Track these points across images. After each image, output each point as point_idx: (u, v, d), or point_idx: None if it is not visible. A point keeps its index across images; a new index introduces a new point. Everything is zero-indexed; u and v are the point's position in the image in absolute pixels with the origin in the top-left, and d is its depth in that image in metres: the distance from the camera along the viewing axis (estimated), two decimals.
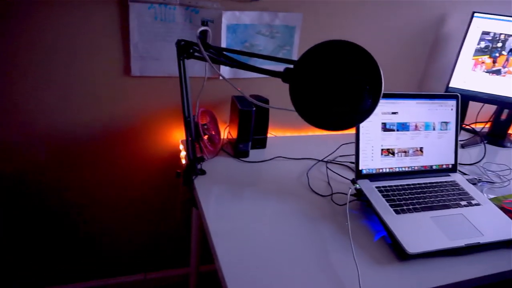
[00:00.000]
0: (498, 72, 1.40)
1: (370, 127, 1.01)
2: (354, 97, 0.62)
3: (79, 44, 1.09)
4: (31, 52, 1.06)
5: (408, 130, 1.05)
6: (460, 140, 1.48)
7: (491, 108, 1.58)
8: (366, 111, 0.62)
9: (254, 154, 1.22)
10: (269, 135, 1.30)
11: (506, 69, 1.39)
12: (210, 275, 1.65)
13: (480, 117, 1.64)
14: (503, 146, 1.49)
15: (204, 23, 0.91)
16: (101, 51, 1.12)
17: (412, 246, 0.82)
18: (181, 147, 1.24)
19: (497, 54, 1.38)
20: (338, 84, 0.62)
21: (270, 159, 1.21)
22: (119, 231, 1.44)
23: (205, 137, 1.14)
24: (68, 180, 1.28)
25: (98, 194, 1.34)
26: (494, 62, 1.40)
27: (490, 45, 1.38)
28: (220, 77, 1.26)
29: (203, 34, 0.89)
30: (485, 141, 1.49)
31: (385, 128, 1.03)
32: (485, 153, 1.37)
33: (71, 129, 1.20)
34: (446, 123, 1.09)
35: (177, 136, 1.32)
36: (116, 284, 1.53)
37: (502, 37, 1.36)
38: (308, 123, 0.66)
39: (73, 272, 1.47)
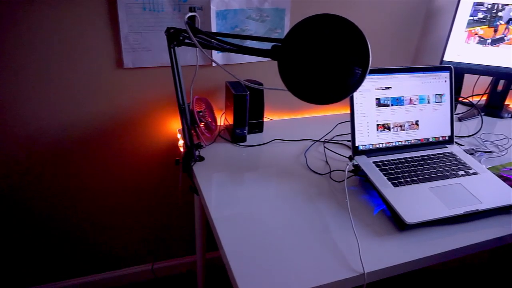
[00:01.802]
0: (501, 40, 1.38)
1: (364, 103, 1.02)
2: (342, 68, 0.62)
3: (69, 39, 1.09)
4: (19, 50, 1.06)
5: (402, 105, 1.06)
6: (457, 114, 1.48)
7: (487, 80, 1.58)
8: (356, 82, 0.62)
9: (251, 138, 1.23)
10: (265, 119, 1.30)
11: (509, 37, 1.37)
12: (217, 262, 1.67)
13: (476, 90, 1.64)
14: (501, 116, 1.49)
15: (192, 9, 0.91)
16: (92, 46, 1.12)
17: (410, 216, 0.83)
18: (179, 135, 1.25)
19: (498, 23, 1.37)
20: (326, 57, 0.62)
21: (268, 142, 1.21)
22: (123, 223, 1.46)
23: (201, 124, 1.15)
24: (69, 176, 1.29)
25: (99, 188, 1.36)
26: (495, 31, 1.38)
27: (488, 15, 1.37)
28: (213, 64, 1.26)
29: (191, 19, 0.89)
30: (483, 113, 1.50)
31: (380, 103, 1.03)
32: (482, 125, 1.38)
33: (67, 125, 1.21)
34: (441, 95, 1.09)
35: (174, 126, 1.33)
36: (124, 275, 1.56)
37: (498, 7, 1.35)
38: (298, 98, 0.67)
39: (80, 266, 1.49)
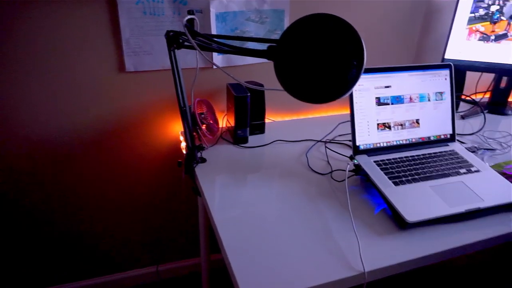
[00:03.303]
0: (504, 36, 1.38)
1: (363, 102, 1.02)
2: (337, 67, 0.63)
3: (71, 44, 1.11)
4: (21, 55, 1.08)
5: (402, 103, 1.06)
6: (460, 111, 1.48)
7: (489, 77, 1.57)
8: (351, 80, 0.63)
9: (253, 139, 1.24)
10: (267, 120, 1.31)
11: (511, 33, 1.37)
12: (222, 263, 1.67)
13: (479, 87, 1.63)
14: (504, 114, 1.48)
15: (190, 12, 0.92)
16: (94, 50, 1.14)
17: (411, 214, 0.83)
18: (181, 138, 1.26)
19: (499, 20, 1.36)
20: (320, 56, 0.62)
21: (269, 143, 1.22)
22: (127, 225, 1.48)
23: (203, 126, 1.16)
24: (71, 179, 1.31)
25: (102, 191, 1.37)
26: (496, 28, 1.37)
27: (489, 12, 1.36)
28: (214, 66, 1.27)
29: (190, 22, 0.90)
30: (486, 111, 1.49)
31: (379, 102, 1.03)
32: (485, 122, 1.37)
33: (69, 128, 1.22)
34: (441, 93, 1.09)
35: (176, 128, 1.34)
36: (129, 277, 1.57)
37: (499, 3, 1.35)
38: (294, 97, 0.67)
39: (84, 268, 1.51)
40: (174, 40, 0.91)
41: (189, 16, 0.89)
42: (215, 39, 0.83)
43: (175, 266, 1.63)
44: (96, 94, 1.20)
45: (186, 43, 0.90)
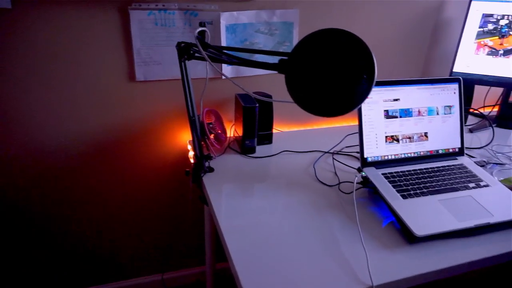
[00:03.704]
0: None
1: (372, 115, 1.02)
2: (348, 82, 0.63)
3: (83, 53, 1.13)
4: (34, 63, 1.10)
5: (411, 116, 1.06)
6: (468, 125, 1.47)
7: (498, 91, 1.56)
8: (362, 95, 0.63)
9: (260, 150, 1.24)
10: (275, 131, 1.31)
11: None
12: (227, 272, 1.67)
13: (487, 101, 1.62)
14: None
15: (202, 24, 0.94)
16: (105, 59, 1.16)
17: (420, 228, 0.83)
18: (189, 147, 1.27)
19: (508, 34, 1.36)
20: (331, 71, 0.63)
21: (277, 154, 1.22)
22: (133, 233, 1.48)
23: (211, 136, 1.17)
24: (79, 188, 1.32)
25: (109, 199, 1.38)
26: (505, 42, 1.37)
27: (498, 26, 1.37)
28: (223, 76, 1.28)
29: (201, 34, 0.92)
30: (494, 124, 1.48)
31: (388, 115, 1.04)
32: (493, 136, 1.36)
33: (79, 136, 1.24)
34: (450, 107, 1.09)
35: (184, 137, 1.35)
36: (134, 285, 1.57)
37: (508, 18, 1.35)
38: (305, 110, 0.68)
39: (90, 276, 1.51)
40: (185, 51, 0.92)
41: (200, 28, 0.91)
42: (226, 52, 0.84)
43: (180, 275, 1.63)
44: (105, 102, 1.21)
45: (197, 54, 0.92)
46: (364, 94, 0.64)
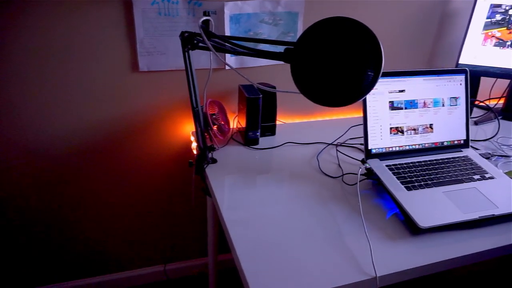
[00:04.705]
0: None
1: (377, 106, 1.01)
2: (355, 71, 0.63)
3: (86, 44, 1.12)
4: (35, 54, 1.10)
5: (416, 108, 1.05)
6: (473, 117, 1.46)
7: (504, 83, 1.55)
8: (368, 85, 0.62)
9: (264, 141, 1.24)
10: (278, 122, 1.31)
11: None
12: (230, 264, 1.68)
13: (493, 93, 1.61)
14: None
15: (206, 13, 0.93)
16: (108, 50, 1.15)
17: (424, 220, 0.83)
18: (192, 138, 1.27)
19: None
20: (338, 60, 0.62)
21: (280, 145, 1.22)
22: (136, 224, 1.49)
23: (215, 127, 1.16)
24: (82, 179, 1.32)
25: (112, 190, 1.38)
26: (511, 33, 1.35)
27: (506, 17, 1.34)
28: (226, 67, 1.28)
29: (206, 23, 0.91)
30: (500, 117, 1.47)
31: (393, 106, 1.03)
32: (499, 128, 1.35)
33: (82, 128, 1.24)
34: (456, 98, 1.08)
35: (187, 128, 1.34)
36: (136, 276, 1.58)
37: None
38: (311, 100, 0.67)
39: (93, 266, 1.52)
40: (189, 41, 0.91)
41: (204, 17, 0.90)
42: (231, 41, 0.83)
43: (183, 266, 1.64)
44: (108, 93, 1.21)
45: (201, 44, 0.91)
46: (370, 85, 0.63)
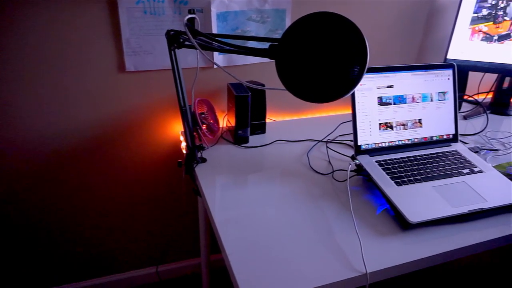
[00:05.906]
0: (507, 36, 1.36)
1: (366, 102, 1.01)
2: (339, 66, 0.62)
3: (71, 44, 1.10)
4: (20, 54, 1.08)
5: (405, 103, 1.05)
6: (462, 112, 1.47)
7: (492, 78, 1.56)
8: (354, 80, 0.62)
9: (254, 139, 1.23)
10: (268, 120, 1.30)
11: None
12: (222, 264, 1.67)
13: (481, 88, 1.62)
14: (507, 114, 1.47)
15: (191, 11, 0.92)
16: (93, 50, 1.13)
17: (414, 215, 0.82)
18: (182, 138, 1.26)
19: (503, 20, 1.35)
20: (323, 55, 0.62)
21: (270, 143, 1.21)
22: (127, 225, 1.47)
23: (204, 126, 1.15)
24: (71, 181, 1.30)
25: (102, 193, 1.36)
26: (500, 28, 1.36)
27: (493, 12, 1.35)
28: (214, 65, 1.26)
29: (191, 21, 0.90)
30: (488, 111, 1.48)
31: (382, 102, 1.03)
32: (487, 122, 1.36)
33: (69, 130, 1.22)
34: (444, 93, 1.08)
35: (176, 128, 1.33)
36: (128, 278, 1.56)
37: (501, 3, 1.33)
38: (296, 96, 0.66)
39: (84, 269, 1.50)
40: (174, 40, 0.90)
41: (189, 15, 0.89)
42: (216, 38, 0.83)
43: (175, 267, 1.63)
44: (95, 94, 1.19)
45: (186, 43, 0.90)
46: (356, 79, 0.62)
